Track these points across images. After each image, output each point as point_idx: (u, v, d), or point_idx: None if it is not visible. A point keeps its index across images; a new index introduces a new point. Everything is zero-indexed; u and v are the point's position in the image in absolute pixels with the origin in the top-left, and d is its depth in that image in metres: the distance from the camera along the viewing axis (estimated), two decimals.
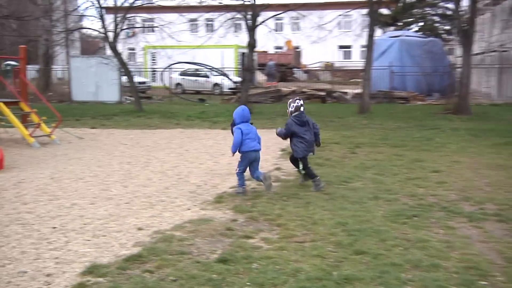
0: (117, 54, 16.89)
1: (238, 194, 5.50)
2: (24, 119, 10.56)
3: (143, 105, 17.75)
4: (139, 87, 22.14)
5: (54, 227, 4.39)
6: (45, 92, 21.65)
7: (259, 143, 5.56)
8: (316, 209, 4.86)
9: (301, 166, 5.74)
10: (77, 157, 8.46)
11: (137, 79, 22.41)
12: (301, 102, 5.79)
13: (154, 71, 27.96)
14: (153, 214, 4.95)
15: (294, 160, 5.84)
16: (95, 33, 29.47)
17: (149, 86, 25.92)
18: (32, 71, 23.17)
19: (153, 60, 29.86)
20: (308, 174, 5.71)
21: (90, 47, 42.95)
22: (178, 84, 25.26)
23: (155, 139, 10.98)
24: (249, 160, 5.50)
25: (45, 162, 7.86)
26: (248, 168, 5.53)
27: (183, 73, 25.42)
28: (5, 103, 9.90)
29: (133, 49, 31.99)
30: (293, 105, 5.79)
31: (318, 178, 5.65)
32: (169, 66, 23.15)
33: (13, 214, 4.72)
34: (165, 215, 4.91)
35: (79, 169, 7.24)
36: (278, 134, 5.78)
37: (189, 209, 5.13)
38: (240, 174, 5.54)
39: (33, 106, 11.37)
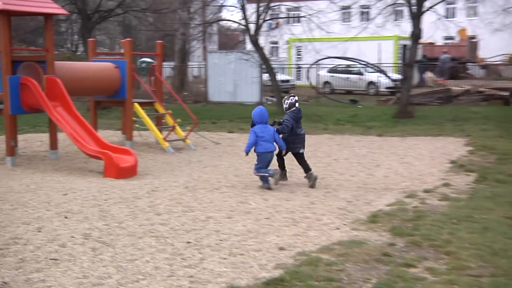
0: (258, 49, 18.00)
1: (264, 187, 7.00)
2: (158, 121, 12.03)
3: None
4: (282, 86, 23.11)
5: (189, 242, 4.87)
6: (180, 92, 24.17)
7: (274, 143, 7.03)
8: (497, 236, 4.63)
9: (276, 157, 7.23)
10: (213, 165, 9.26)
11: (280, 77, 23.44)
12: (296, 98, 7.20)
13: (299, 68, 28.85)
14: (297, 232, 5.15)
15: (281, 158, 7.28)
16: (235, 25, 31.83)
17: (293, 84, 26.84)
18: (167, 68, 25.92)
19: (298, 55, 30.85)
20: (280, 164, 7.30)
21: (229, 41, 46.61)
22: (326, 83, 25.79)
23: None
24: (265, 160, 7.05)
25: (179, 169, 8.80)
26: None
27: (333, 70, 25.86)
28: (140, 103, 11.41)
29: (276, 42, 33.60)
30: (287, 102, 7.20)
31: (285, 171, 7.27)
32: (316, 61, 23.65)
33: (147, 225, 5.45)
34: (310, 234, 5.07)
35: (215, 178, 7.94)
36: (282, 131, 7.03)
37: (338, 229, 5.23)
38: (259, 170, 7.05)
39: (168, 107, 12.81)
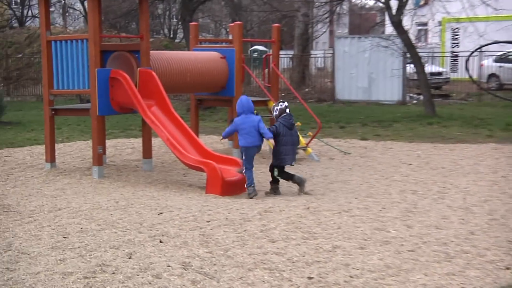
0: (401, 32, 17.71)
1: (250, 196, 8.08)
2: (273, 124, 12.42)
3: (437, 107, 18.05)
4: (432, 81, 22.52)
5: (310, 278, 4.92)
6: (300, 88, 24.62)
7: (259, 136, 8.13)
8: None
9: (276, 173, 8.35)
10: (341, 180, 9.39)
11: (429, 68, 22.77)
12: (286, 104, 8.34)
13: (455, 57, 27.80)
14: (451, 270, 5.05)
15: (273, 168, 8.37)
16: (371, 2, 31.49)
17: (447, 78, 26.12)
18: (285, 58, 26.41)
19: (455, 40, 29.79)
20: (288, 177, 8.36)
21: (363, 24, 46.32)
22: (492, 76, 24.88)
23: (454, 158, 11.24)
24: (248, 156, 8.19)
25: (295, 185, 8.98)
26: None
27: (502, 59, 24.86)
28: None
29: (425, 24, 32.57)
30: (277, 109, 8.35)
31: (297, 176, 8.35)
32: (479, 48, 22.57)
33: (258, 255, 5.53)
34: (470, 275, 4.95)
35: (343, 198, 7.96)
36: (268, 137, 8.11)
37: (508, 269, 5.09)
38: (249, 172, 8.20)
39: None
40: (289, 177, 8.40)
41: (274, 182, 8.46)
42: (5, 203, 7.81)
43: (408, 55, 19.20)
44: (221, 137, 8.73)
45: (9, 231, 6.39)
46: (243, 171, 8.31)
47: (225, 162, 8.93)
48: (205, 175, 8.60)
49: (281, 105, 8.43)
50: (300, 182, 8.32)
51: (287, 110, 8.38)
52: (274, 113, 8.45)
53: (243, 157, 8.28)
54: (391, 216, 6.87)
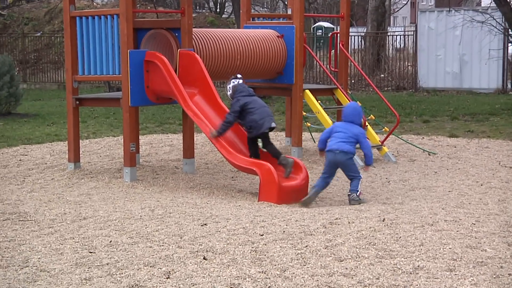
0: (502, 4, 17.36)
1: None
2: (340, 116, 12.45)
3: None
4: None
5: None
6: (375, 73, 24.64)
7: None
8: None
9: (261, 144, 9.17)
10: (425, 187, 9.35)
11: None
12: (239, 76, 9.33)
13: None
14: None
15: (253, 143, 9.18)
16: None
17: None
18: (355, 37, 26.37)
19: None
20: (273, 152, 9.02)
21: None
22: None
23: None
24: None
25: (370, 192, 8.99)
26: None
27: None
28: (314, 91, 11.84)
29: None
30: (229, 87, 9.25)
31: (283, 156, 8.95)
32: None
33: (323, 276, 5.51)
34: None
35: (427, 208, 7.85)
36: (222, 131, 9.01)
37: None
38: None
39: (356, 96, 13.33)
40: (276, 154, 9.00)
41: (256, 157, 9.07)
42: (21, 210, 8.03)
43: (510, 33, 18.79)
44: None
45: (25, 244, 6.55)
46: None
47: None
48: (258, 179, 8.64)
49: (232, 82, 9.27)
50: (285, 164, 8.78)
51: (241, 81, 9.30)
52: (229, 93, 9.25)
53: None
54: (488, 232, 6.74)
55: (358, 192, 8.38)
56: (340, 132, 8.52)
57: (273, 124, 9.11)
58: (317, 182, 8.58)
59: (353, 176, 8.45)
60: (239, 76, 9.39)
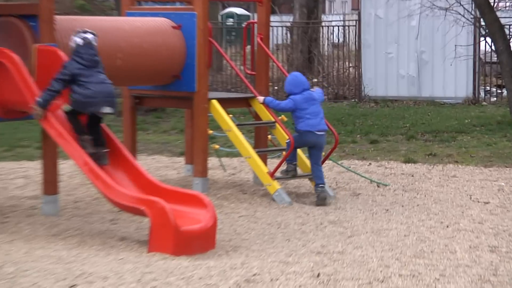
0: None
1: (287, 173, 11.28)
2: (259, 136, 12.53)
3: None
4: None
5: None
6: (306, 76, 24.74)
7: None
8: None
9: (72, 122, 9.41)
10: (372, 230, 9.47)
11: None
12: (91, 31, 9.54)
13: None
14: None
15: (73, 116, 9.41)
16: None
17: None
18: (279, 29, 26.56)
19: None
20: (76, 129, 9.35)
21: None
22: None
23: None
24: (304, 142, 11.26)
25: (300, 238, 9.03)
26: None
27: None
28: (223, 101, 11.82)
29: None
30: (75, 39, 9.45)
31: (90, 138, 9.32)
32: None
33: None
34: None
35: (375, 258, 7.99)
36: (44, 101, 9.17)
37: None
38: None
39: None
40: (98, 142, 9.38)
41: (80, 133, 9.36)
42: None
43: (483, 24, 19.27)
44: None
45: None
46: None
47: (181, 200, 8.92)
48: (148, 221, 8.57)
49: (81, 36, 9.49)
50: (95, 155, 9.20)
51: (94, 43, 9.54)
52: (72, 45, 9.48)
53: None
54: None
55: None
56: (316, 105, 10.79)
57: (107, 109, 9.40)
58: (289, 157, 11.13)
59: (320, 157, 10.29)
60: (91, 31, 9.60)
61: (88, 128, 9.43)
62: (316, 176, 11.05)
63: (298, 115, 11.10)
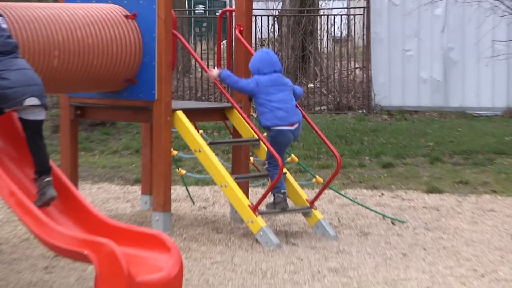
0: None
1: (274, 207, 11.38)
2: (239, 157, 12.54)
3: None
4: None
5: None
6: (298, 81, 24.48)
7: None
8: None
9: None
10: (385, 280, 9.49)
11: None
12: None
13: None
14: None
15: None
16: None
17: None
18: (263, 18, 26.30)
19: None
20: (35, 157, 9.31)
21: None
22: None
23: None
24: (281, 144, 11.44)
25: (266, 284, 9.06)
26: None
27: None
28: (190, 113, 11.83)
29: None
30: None
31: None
32: None
33: None
34: None
35: None
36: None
37: None
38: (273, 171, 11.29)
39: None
40: (40, 162, 9.34)
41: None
42: None
43: None
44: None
45: None
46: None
47: (137, 241, 8.92)
48: (93, 269, 8.58)
49: None
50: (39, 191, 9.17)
51: (4, 26, 9.51)
52: None
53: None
54: None
55: None
56: (286, 92, 11.44)
57: (33, 101, 9.23)
58: (277, 184, 11.09)
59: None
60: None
61: (27, 140, 9.45)
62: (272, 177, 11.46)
63: (261, 102, 11.41)
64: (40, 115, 9.22)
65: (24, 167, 9.43)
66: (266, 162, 11.36)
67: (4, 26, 9.53)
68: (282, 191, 11.28)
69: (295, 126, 11.37)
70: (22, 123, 9.32)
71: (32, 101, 9.13)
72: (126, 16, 11.54)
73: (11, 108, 9.32)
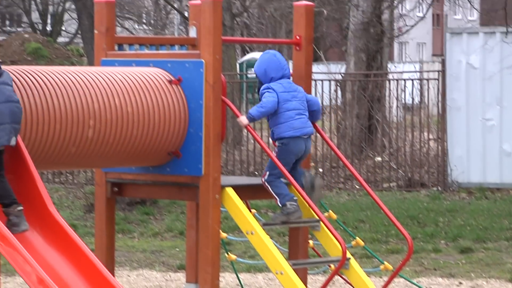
0: None
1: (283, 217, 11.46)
2: (296, 240, 12.52)
3: None
4: None
5: None
6: (363, 154, 25.22)
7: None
8: None
9: None
10: None
11: None
12: None
13: None
14: None
15: None
16: None
17: None
18: (325, 82, 26.63)
19: None
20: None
21: None
22: None
23: None
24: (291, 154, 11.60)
25: None
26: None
27: None
28: (243, 190, 11.97)
29: None
30: None
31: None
32: None
33: None
34: None
35: None
36: None
37: None
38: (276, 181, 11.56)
39: (328, 201, 13.33)
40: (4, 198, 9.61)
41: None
42: None
43: None
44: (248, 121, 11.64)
45: None
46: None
47: None
48: None
49: None
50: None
51: None
52: None
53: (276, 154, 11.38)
54: None
55: None
56: (299, 100, 11.52)
57: (11, 141, 9.59)
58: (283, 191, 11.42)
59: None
60: None
61: None
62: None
63: (277, 112, 11.54)
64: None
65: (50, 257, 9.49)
66: (266, 172, 11.60)
67: None
68: (294, 198, 11.47)
69: (307, 137, 11.56)
70: None
71: (10, 142, 9.56)
72: (170, 81, 11.60)
73: None
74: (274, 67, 11.64)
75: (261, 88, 11.58)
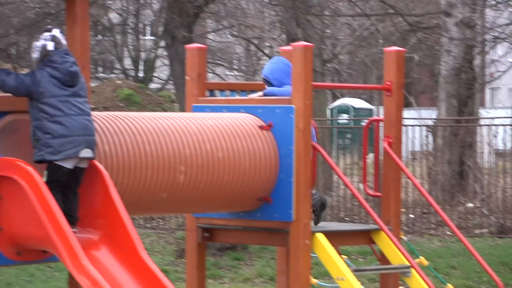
0: None
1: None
2: (387, 286, 12.54)
3: None
4: None
5: None
6: (454, 200, 25.03)
7: None
8: None
9: (44, 178, 9.67)
10: None
11: None
12: (58, 31, 9.82)
13: None
14: None
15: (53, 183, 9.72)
16: None
17: None
18: (416, 128, 26.70)
19: None
20: (68, 211, 9.61)
21: None
22: None
23: None
24: None
25: None
26: None
27: None
28: (334, 236, 11.91)
29: None
30: (39, 46, 9.76)
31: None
32: None
33: None
34: None
35: None
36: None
37: None
38: None
39: (418, 246, 13.22)
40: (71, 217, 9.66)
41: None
42: None
43: None
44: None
45: None
46: None
47: None
48: None
49: (46, 39, 9.72)
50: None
51: (65, 47, 9.87)
52: (34, 55, 9.80)
53: None
54: None
55: None
56: None
57: (87, 153, 9.67)
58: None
59: None
60: (58, 32, 9.89)
61: (64, 192, 9.80)
62: None
63: None
64: (85, 163, 9.70)
65: None
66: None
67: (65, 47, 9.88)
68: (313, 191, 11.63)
69: None
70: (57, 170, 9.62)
71: (86, 154, 9.66)
72: (261, 127, 11.64)
73: (56, 160, 9.56)
74: (288, 74, 11.76)
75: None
